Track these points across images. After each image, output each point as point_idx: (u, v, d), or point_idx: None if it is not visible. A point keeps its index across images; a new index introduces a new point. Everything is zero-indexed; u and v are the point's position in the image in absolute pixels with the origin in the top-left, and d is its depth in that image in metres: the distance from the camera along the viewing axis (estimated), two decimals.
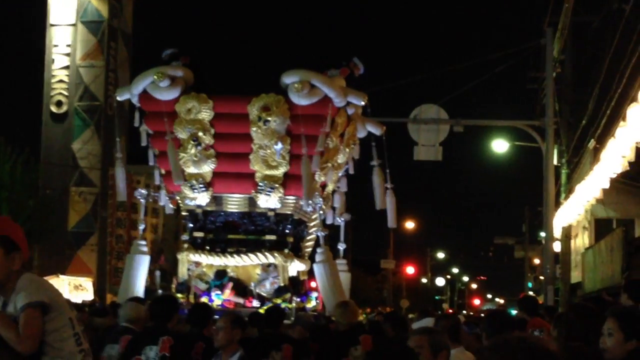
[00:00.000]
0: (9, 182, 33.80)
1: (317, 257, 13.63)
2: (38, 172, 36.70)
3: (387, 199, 14.40)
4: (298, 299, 13.57)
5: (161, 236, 39.29)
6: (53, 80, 38.88)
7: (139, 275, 13.67)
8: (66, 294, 28.35)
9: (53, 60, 38.94)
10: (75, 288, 31.80)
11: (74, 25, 38.98)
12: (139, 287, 13.55)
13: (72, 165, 38.31)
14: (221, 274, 13.32)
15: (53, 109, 38.82)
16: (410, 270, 65.37)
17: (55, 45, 39.02)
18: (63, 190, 37.88)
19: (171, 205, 14.39)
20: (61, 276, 31.54)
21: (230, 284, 13.11)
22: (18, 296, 4.23)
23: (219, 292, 13.02)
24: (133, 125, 14.04)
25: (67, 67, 38.90)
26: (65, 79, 38.89)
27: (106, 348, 8.41)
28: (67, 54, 38.92)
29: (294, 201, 13.56)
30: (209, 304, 12.16)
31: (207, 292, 13.16)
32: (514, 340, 2.94)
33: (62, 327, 4.23)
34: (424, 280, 78.46)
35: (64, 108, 38.77)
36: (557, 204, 25.30)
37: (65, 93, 38.82)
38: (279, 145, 13.01)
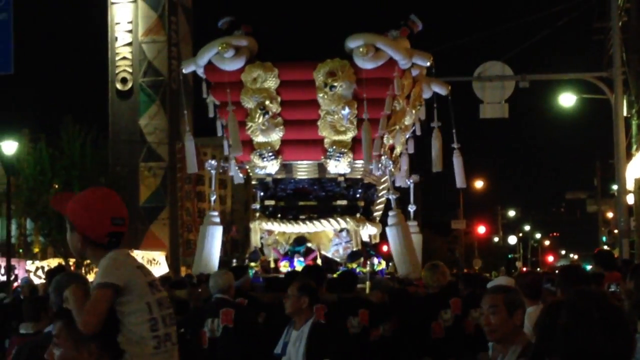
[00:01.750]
0: (79, 161, 34.34)
1: (389, 221, 13.61)
2: (107, 150, 37.22)
3: (454, 159, 14.30)
4: (374, 262, 13.55)
5: (230, 207, 39.64)
6: (117, 58, 39.36)
7: (214, 245, 13.78)
8: None
9: (116, 38, 39.40)
10: (149, 262, 32.29)
11: (134, 1, 39.36)
12: (214, 257, 13.68)
13: (140, 141, 38.83)
14: (301, 240, 13.36)
15: (118, 86, 39.32)
16: (481, 229, 64.90)
17: (117, 23, 39.45)
18: (133, 166, 38.39)
19: (241, 175, 14.43)
20: (135, 251, 31.99)
21: (316, 254, 13.13)
22: (97, 273, 4.28)
23: (301, 259, 13.06)
24: (198, 98, 14.11)
25: (129, 44, 39.34)
26: (129, 55, 39.33)
27: (207, 322, 8.40)
28: (129, 31, 39.35)
29: (364, 165, 13.53)
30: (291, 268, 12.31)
31: (290, 257, 13.19)
32: (586, 294, 2.91)
33: (137, 312, 4.22)
34: (496, 239, 77.81)
35: (129, 85, 39.25)
36: (629, 156, 24.90)
37: (130, 70, 39.28)
38: (347, 110, 12.97)
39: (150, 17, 39.25)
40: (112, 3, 39.62)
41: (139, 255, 31.83)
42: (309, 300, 7.45)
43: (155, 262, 33.08)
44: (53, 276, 5.80)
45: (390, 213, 13.77)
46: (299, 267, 12.82)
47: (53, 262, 30.25)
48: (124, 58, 39.39)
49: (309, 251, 13.21)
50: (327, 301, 8.93)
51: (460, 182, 14.53)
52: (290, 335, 7.45)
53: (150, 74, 39.11)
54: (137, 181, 38.49)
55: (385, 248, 19.84)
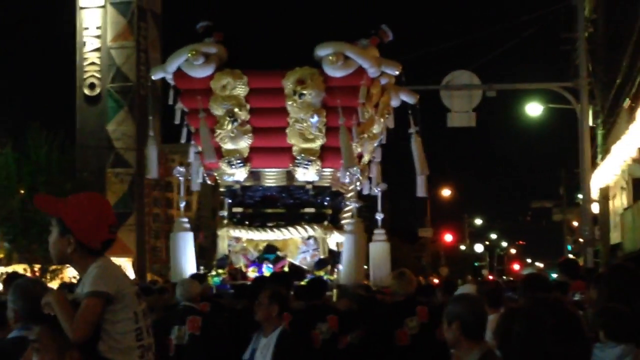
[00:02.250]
0: (46, 166, 34.15)
1: (346, 227, 13.65)
2: (74, 155, 37.02)
3: (412, 144, 14.21)
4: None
5: (196, 213, 39.59)
6: (85, 63, 39.23)
7: (186, 252, 13.77)
8: None
9: (84, 43, 39.28)
10: None
11: (103, 7, 39.26)
12: (189, 264, 13.67)
13: (108, 147, 38.71)
14: (271, 248, 13.38)
15: (86, 91, 39.18)
16: (448, 237, 65.29)
17: (86, 28, 39.33)
18: (99, 172, 38.22)
19: (199, 182, 14.41)
20: None
21: (285, 262, 13.15)
22: (87, 280, 4.25)
23: (270, 265, 13.08)
24: (166, 105, 14.10)
25: (98, 49, 39.22)
26: (97, 61, 39.21)
27: (173, 330, 8.42)
28: (98, 36, 39.25)
29: (332, 173, 13.59)
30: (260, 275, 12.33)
31: (258, 264, 13.21)
32: (542, 301, 2.97)
33: (125, 320, 4.21)
34: (463, 247, 78.23)
35: (97, 90, 39.13)
36: (594, 165, 25.10)
37: (98, 75, 39.17)
38: (315, 118, 13.03)
39: (119, 22, 39.18)
40: (81, 8, 39.49)
41: None
42: (279, 309, 7.46)
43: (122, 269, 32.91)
44: (11, 282, 5.75)
45: (349, 221, 13.83)
46: (267, 273, 12.85)
47: (18, 268, 30.00)
48: (92, 63, 39.28)
49: (279, 259, 13.24)
50: (295, 309, 8.96)
51: (421, 190, 14.49)
52: (259, 342, 7.47)
53: (119, 80, 39.03)
54: (104, 187, 38.32)
55: None
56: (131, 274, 32.67)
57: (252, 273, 13.05)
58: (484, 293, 7.46)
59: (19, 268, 29.87)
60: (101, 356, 4.16)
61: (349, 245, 13.31)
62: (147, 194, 37.36)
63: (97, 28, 39.23)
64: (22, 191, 33.82)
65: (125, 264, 33.41)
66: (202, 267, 14.09)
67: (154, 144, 14.51)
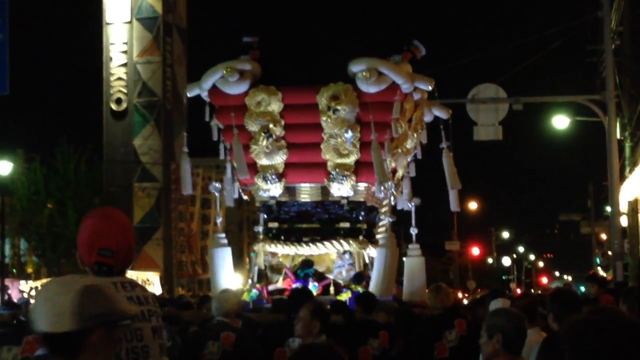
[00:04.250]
0: (74, 181, 34.42)
1: (380, 241, 13.73)
2: (102, 170, 37.29)
3: (444, 159, 14.26)
4: None
5: (224, 228, 39.70)
6: (112, 78, 39.48)
7: (225, 267, 13.89)
8: None
9: (111, 58, 39.54)
10: (143, 282, 32.14)
11: (129, 22, 39.54)
12: (228, 279, 13.79)
13: (135, 162, 38.89)
14: (308, 263, 13.47)
15: (113, 106, 39.43)
16: (475, 251, 65.07)
17: (112, 44, 39.61)
18: (127, 186, 38.46)
19: (244, 197, 14.61)
20: (129, 272, 31.80)
21: (330, 281, 13.24)
22: None
23: (316, 283, 13.15)
24: (191, 119, 14.22)
25: (124, 65, 39.47)
26: (124, 76, 39.46)
27: (207, 345, 8.51)
28: (124, 52, 39.50)
29: (366, 188, 13.68)
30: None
31: (303, 280, 13.28)
32: (594, 316, 2.96)
33: None
34: (490, 261, 78.02)
35: (124, 105, 39.36)
36: (622, 178, 25.06)
37: (124, 90, 39.40)
38: (350, 134, 13.13)
39: (145, 37, 39.44)
40: (107, 24, 39.79)
41: (133, 275, 31.70)
42: (320, 325, 7.38)
43: (149, 283, 33.03)
44: None
45: (383, 235, 13.91)
46: (313, 291, 12.91)
47: None
48: (119, 78, 39.52)
49: (320, 276, 13.32)
50: (335, 323, 9.00)
51: (454, 205, 14.56)
52: None
53: (145, 95, 39.25)
54: (131, 201, 38.51)
55: None
56: (159, 288, 32.84)
57: None
58: (520, 308, 7.49)
59: None
60: None
61: (380, 259, 13.38)
62: (174, 209, 37.46)
63: (124, 43, 39.51)
64: (50, 206, 34.09)
65: (153, 278, 33.54)
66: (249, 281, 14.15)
67: (187, 161, 14.64)
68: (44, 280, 32.48)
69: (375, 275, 13.38)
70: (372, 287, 13.24)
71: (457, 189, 14.30)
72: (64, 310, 2.93)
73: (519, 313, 5.82)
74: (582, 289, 32.51)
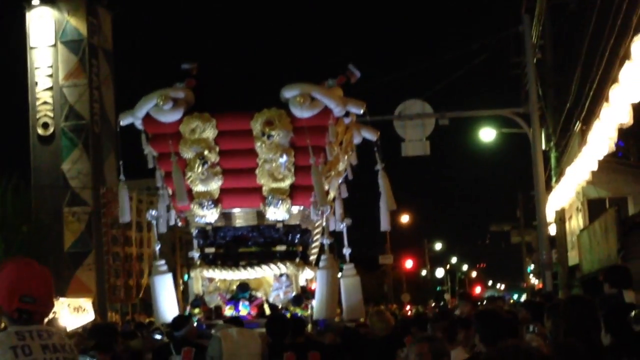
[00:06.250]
0: (0, 209, 33.86)
1: (321, 264, 13.92)
2: (29, 197, 36.78)
3: (380, 180, 14.48)
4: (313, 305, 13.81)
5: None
6: (37, 103, 38.97)
7: (168, 294, 13.97)
8: (66, 317, 28.36)
9: (36, 82, 39.05)
10: (75, 310, 31.62)
11: (54, 46, 39.12)
12: (171, 305, 13.86)
13: (64, 186, 38.40)
14: (244, 286, 13.57)
15: (40, 131, 38.93)
16: (408, 263, 65.58)
17: (37, 68, 39.13)
18: (56, 212, 37.99)
19: (179, 224, 14.67)
20: (61, 299, 31.44)
21: (262, 300, 13.37)
22: None
23: (247, 303, 13.29)
24: (122, 144, 14.27)
25: (50, 88, 39.01)
26: (50, 100, 38.98)
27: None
28: (50, 75, 39.04)
29: (300, 211, 13.84)
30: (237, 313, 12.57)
31: (235, 302, 13.39)
32: (510, 350, 3.16)
33: None
34: (424, 273, 78.63)
35: (51, 129, 38.88)
36: (549, 188, 25.55)
37: (51, 114, 38.93)
38: (284, 158, 13.30)
39: (71, 60, 39.05)
40: (32, 48, 39.31)
41: (65, 302, 31.25)
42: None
43: (82, 310, 32.58)
44: None
45: (323, 257, 14.07)
46: (243, 311, 13.09)
47: None
48: (45, 102, 39.03)
49: (254, 298, 13.45)
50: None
51: (389, 205, 14.67)
52: None
53: (72, 118, 38.83)
54: (61, 227, 38.07)
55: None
56: (92, 315, 32.41)
57: (229, 311, 13.25)
58: (440, 330, 7.61)
59: None
60: None
61: (322, 281, 13.58)
62: (106, 233, 37.03)
63: (49, 67, 39.04)
64: None
65: (86, 305, 33.08)
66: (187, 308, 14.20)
67: (124, 188, 14.66)
68: None
69: (318, 297, 13.58)
70: (317, 309, 13.44)
71: (392, 209, 14.54)
72: None
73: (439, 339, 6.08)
74: (515, 296, 33.11)
